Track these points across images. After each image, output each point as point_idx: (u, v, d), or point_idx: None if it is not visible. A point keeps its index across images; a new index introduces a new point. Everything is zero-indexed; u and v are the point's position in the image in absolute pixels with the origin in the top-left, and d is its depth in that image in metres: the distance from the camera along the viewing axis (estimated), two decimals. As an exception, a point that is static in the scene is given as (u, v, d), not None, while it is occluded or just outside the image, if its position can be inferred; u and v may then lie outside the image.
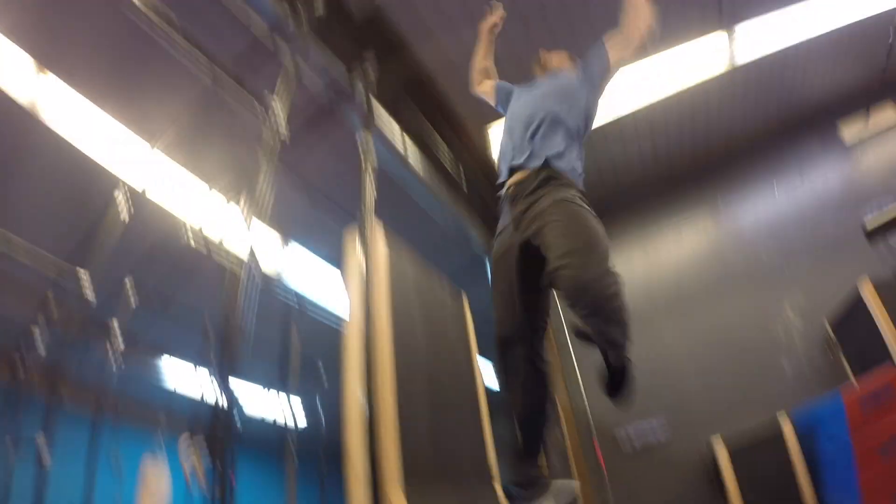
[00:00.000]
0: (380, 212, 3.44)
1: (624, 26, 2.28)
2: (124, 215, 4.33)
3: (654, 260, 5.91)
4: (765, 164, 5.86)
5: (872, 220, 4.38)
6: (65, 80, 4.18)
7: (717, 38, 4.75)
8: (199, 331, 5.15)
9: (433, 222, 4.66)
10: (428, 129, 4.22)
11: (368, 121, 3.20)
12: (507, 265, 2.16)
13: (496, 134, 4.91)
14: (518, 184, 2.17)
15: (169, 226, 4.63)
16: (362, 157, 3.18)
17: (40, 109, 4.23)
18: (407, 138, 3.92)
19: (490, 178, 4.82)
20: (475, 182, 4.99)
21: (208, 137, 3.99)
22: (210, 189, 4.25)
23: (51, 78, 4.23)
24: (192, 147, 4.29)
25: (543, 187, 2.07)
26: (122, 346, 4.40)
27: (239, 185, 4.11)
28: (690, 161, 6.10)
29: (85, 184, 4.58)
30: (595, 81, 2.37)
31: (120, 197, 4.40)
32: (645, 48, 2.31)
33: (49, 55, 3.98)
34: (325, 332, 4.71)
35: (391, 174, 3.82)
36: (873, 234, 4.37)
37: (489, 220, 4.97)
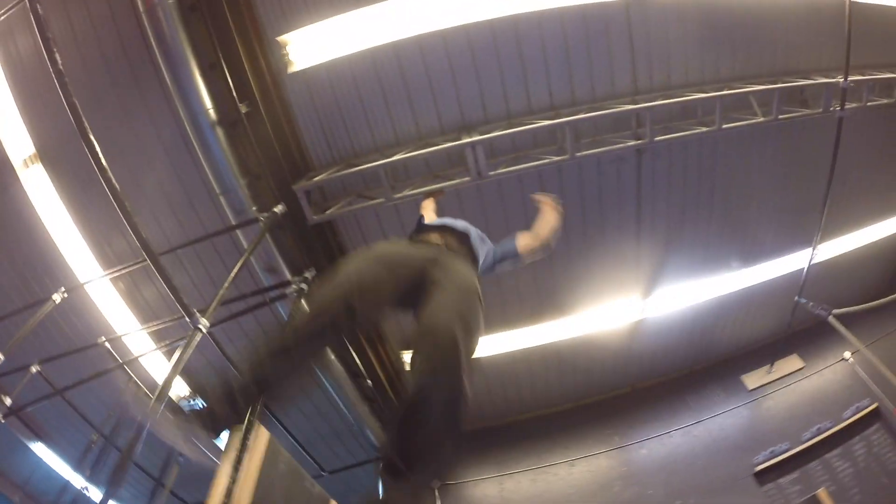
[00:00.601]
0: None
1: (535, 228, 2.95)
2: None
3: (544, 489, 6.27)
4: (666, 406, 6.62)
5: (763, 463, 5.10)
6: (51, 177, 5.04)
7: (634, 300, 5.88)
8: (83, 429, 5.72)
9: (342, 412, 5.29)
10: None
11: (290, 322, 3.93)
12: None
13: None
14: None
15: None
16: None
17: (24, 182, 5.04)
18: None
19: (397, 392, 5.67)
20: (382, 390, 5.73)
21: (155, 285, 4.74)
22: (143, 329, 4.92)
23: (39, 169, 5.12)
24: (136, 286, 5.04)
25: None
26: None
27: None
28: (594, 397, 6.91)
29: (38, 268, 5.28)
30: (497, 255, 2.94)
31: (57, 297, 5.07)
32: (550, 245, 2.97)
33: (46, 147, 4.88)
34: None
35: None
36: (762, 477, 5.04)
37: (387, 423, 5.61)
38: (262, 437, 3.61)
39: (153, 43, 4.19)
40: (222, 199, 4.25)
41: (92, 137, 3.20)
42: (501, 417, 6.83)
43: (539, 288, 5.52)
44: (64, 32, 4.44)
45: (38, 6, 3.45)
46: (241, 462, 3.26)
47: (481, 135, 4.16)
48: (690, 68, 4.85)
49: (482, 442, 6.76)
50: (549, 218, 2.97)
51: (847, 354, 6.60)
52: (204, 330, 3.25)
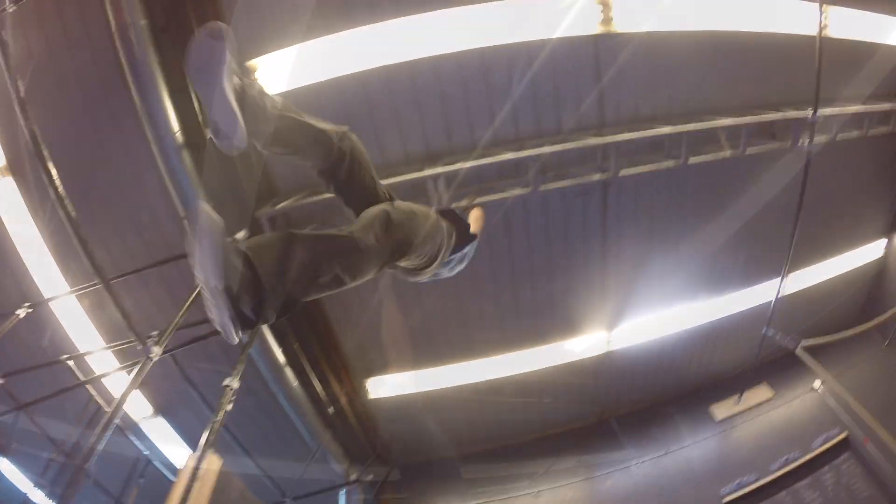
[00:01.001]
0: (254, 413, 4.09)
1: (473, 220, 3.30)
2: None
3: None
4: (633, 437, 6.74)
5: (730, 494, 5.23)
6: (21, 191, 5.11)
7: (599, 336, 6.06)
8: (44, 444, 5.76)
9: (302, 440, 5.39)
10: (307, 366, 5.10)
11: (247, 346, 4.02)
12: None
13: (374, 384, 6.00)
14: None
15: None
16: (233, 375, 3.92)
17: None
18: (289, 369, 4.79)
19: (360, 419, 5.72)
20: (345, 418, 5.90)
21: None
22: (106, 348, 4.99)
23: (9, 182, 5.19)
24: (101, 304, 5.10)
25: None
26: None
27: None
28: (560, 427, 7.02)
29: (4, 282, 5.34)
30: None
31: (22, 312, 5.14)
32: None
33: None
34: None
35: (271, 386, 4.66)
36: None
37: (352, 451, 5.86)
38: (213, 465, 3.68)
39: (124, 62, 4.30)
40: (186, 223, 4.35)
41: (51, 166, 3.30)
42: (467, 446, 6.91)
43: (504, 319, 5.63)
44: (38, 47, 4.52)
45: (3, 33, 3.55)
46: (190, 492, 3.34)
47: (445, 165, 4.28)
48: (658, 101, 4.99)
49: (448, 470, 6.82)
50: (478, 214, 3.48)
51: (817, 384, 6.73)
52: (155, 358, 3.33)
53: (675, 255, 5.58)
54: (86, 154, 4.68)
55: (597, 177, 4.63)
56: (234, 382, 3.83)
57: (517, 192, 4.47)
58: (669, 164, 4.87)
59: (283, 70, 4.34)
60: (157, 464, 5.54)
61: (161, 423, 5.65)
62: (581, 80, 4.63)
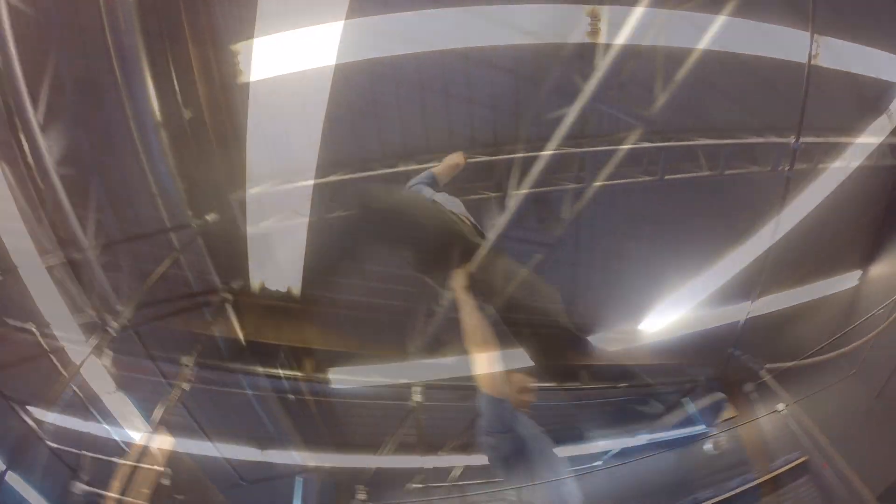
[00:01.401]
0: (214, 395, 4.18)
1: None
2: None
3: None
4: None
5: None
6: None
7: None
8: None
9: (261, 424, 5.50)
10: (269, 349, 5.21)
11: (208, 326, 4.12)
12: None
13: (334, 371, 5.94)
14: None
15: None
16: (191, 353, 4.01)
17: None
18: (251, 352, 4.89)
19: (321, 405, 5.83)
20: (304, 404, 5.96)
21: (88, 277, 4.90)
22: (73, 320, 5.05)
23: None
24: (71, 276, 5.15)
25: None
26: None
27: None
28: None
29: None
30: None
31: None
32: None
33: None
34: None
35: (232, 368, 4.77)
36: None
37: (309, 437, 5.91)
38: (163, 444, 3.78)
39: (109, 39, 4.35)
40: (159, 201, 4.42)
41: (22, 137, 3.36)
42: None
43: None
44: (23, 18, 4.54)
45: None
46: (136, 469, 3.43)
47: (419, 164, 4.37)
48: (640, 115, 5.05)
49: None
50: None
51: (781, 406, 6.85)
52: (113, 332, 3.41)
53: (646, 269, 5.70)
54: (63, 128, 4.71)
55: (571, 186, 4.72)
56: (191, 361, 3.94)
57: (490, 195, 4.57)
58: (645, 179, 4.97)
59: (264, 58, 4.39)
60: (117, 439, 5.59)
61: (122, 398, 5.71)
62: (563, 87, 4.70)
